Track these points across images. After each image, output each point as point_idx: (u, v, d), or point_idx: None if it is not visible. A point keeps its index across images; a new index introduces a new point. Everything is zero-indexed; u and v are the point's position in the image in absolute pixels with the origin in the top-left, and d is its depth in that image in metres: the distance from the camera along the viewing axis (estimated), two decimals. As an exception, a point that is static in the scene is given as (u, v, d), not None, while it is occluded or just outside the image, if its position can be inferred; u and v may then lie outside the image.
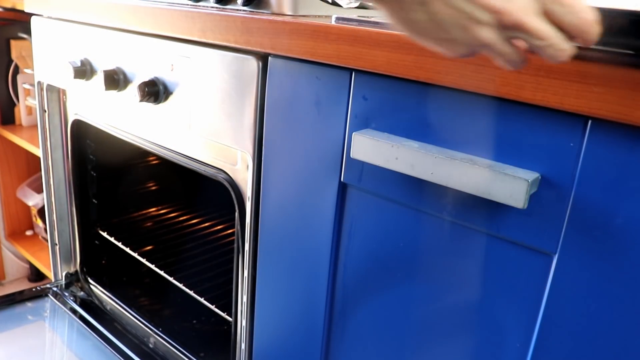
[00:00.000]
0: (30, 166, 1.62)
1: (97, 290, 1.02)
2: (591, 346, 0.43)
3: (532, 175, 0.42)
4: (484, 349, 0.50)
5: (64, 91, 0.98)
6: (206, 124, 0.68)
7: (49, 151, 1.02)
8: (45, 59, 0.95)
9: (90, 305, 1.01)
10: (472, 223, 0.48)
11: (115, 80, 0.78)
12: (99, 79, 0.78)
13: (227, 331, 0.93)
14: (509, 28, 0.34)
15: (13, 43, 1.46)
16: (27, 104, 1.51)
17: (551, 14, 0.35)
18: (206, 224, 1.20)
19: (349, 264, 0.59)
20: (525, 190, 0.41)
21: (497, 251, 0.47)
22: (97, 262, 1.09)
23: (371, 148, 0.50)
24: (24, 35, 1.46)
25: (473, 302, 0.50)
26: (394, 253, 0.54)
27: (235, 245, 0.71)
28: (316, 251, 0.61)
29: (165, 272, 0.97)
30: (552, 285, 0.44)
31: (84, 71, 0.83)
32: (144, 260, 1.01)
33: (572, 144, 0.41)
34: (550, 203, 0.43)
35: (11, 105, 1.52)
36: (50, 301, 1.03)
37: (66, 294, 1.04)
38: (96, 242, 1.08)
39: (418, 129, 0.50)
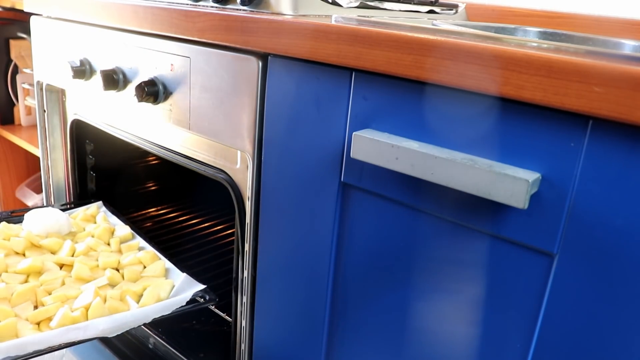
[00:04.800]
0: (29, 166, 1.62)
1: (97, 290, 1.02)
2: (592, 346, 0.43)
3: (532, 176, 0.42)
4: (485, 349, 0.50)
5: (63, 91, 0.98)
6: (206, 124, 0.68)
7: (48, 151, 1.02)
8: (45, 58, 0.95)
9: (90, 306, 1.01)
10: (472, 223, 0.48)
11: (115, 80, 0.78)
12: (98, 78, 0.78)
13: (227, 332, 0.93)
14: None
15: (12, 43, 1.46)
16: (26, 103, 1.50)
17: None
18: (206, 224, 1.20)
19: (350, 264, 0.59)
20: (526, 191, 0.41)
21: (498, 251, 0.47)
22: (96, 262, 1.08)
23: (371, 148, 0.50)
24: (23, 35, 1.46)
25: (473, 302, 0.50)
26: (394, 253, 0.54)
27: (235, 245, 0.71)
28: (317, 251, 0.61)
29: (164, 273, 0.97)
30: (553, 285, 0.44)
31: (83, 71, 0.83)
32: (143, 261, 1.01)
33: (572, 144, 0.41)
34: (551, 203, 0.43)
35: (10, 105, 1.51)
36: (49, 301, 1.03)
37: (65, 294, 1.04)
38: (95, 242, 1.08)
39: (418, 129, 0.50)
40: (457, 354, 0.52)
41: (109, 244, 0.86)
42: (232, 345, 0.76)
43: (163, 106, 0.73)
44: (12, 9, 1.29)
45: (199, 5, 0.66)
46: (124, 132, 0.85)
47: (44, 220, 0.84)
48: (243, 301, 0.72)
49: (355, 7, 0.72)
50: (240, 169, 0.68)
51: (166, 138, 0.78)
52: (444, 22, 0.60)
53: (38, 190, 1.54)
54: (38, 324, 0.66)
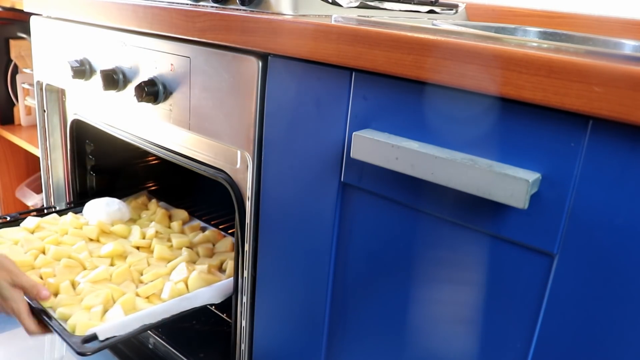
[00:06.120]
0: (29, 166, 1.62)
1: (97, 290, 1.02)
2: (592, 346, 0.43)
3: (532, 176, 0.42)
4: (485, 349, 0.50)
5: (63, 91, 0.98)
6: (206, 124, 0.68)
7: (48, 151, 1.02)
8: (45, 58, 0.95)
9: (90, 306, 1.01)
10: (472, 223, 0.48)
11: (115, 80, 0.78)
12: (98, 78, 0.78)
13: (227, 332, 0.93)
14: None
15: (12, 42, 1.46)
16: (26, 103, 1.50)
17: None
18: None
19: (350, 264, 0.59)
20: (526, 191, 0.41)
21: (498, 251, 0.47)
22: (96, 262, 1.08)
23: (371, 148, 0.50)
24: (23, 35, 1.46)
25: (473, 302, 0.50)
26: (394, 253, 0.54)
27: (235, 245, 0.71)
28: (316, 251, 0.61)
29: (164, 273, 0.98)
30: (553, 285, 0.44)
31: (83, 71, 0.83)
32: (143, 261, 1.01)
33: (573, 144, 0.41)
34: (551, 203, 0.43)
35: (10, 105, 1.51)
36: (49, 301, 1.03)
37: (65, 294, 1.04)
38: (96, 242, 1.08)
39: (418, 129, 0.50)
40: (458, 353, 0.52)
41: (169, 227, 0.98)
42: (232, 345, 0.76)
43: (163, 106, 0.73)
44: (12, 9, 1.29)
45: (199, 5, 0.66)
46: (124, 132, 0.85)
47: (108, 209, 0.95)
48: (243, 301, 0.72)
49: (355, 7, 0.72)
50: (240, 169, 0.68)
51: (166, 138, 0.78)
52: (444, 22, 0.60)
53: (38, 190, 1.54)
54: (147, 297, 0.76)
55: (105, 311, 0.72)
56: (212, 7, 0.65)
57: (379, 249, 0.56)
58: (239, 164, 0.68)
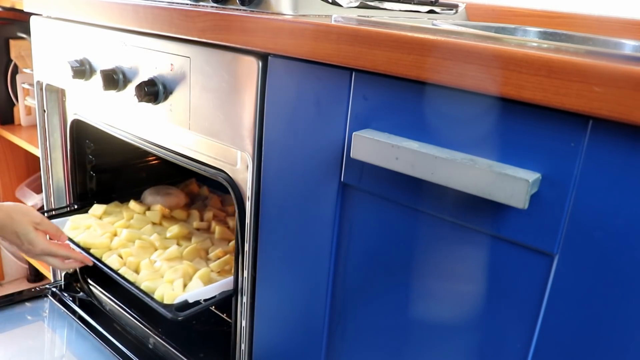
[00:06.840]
0: (29, 166, 1.62)
1: (96, 290, 1.02)
2: (592, 346, 0.43)
3: (532, 176, 0.42)
4: (485, 350, 0.50)
5: (63, 91, 0.98)
6: (206, 124, 0.68)
7: (48, 151, 1.02)
8: (45, 58, 0.95)
9: (90, 306, 1.01)
10: (472, 223, 0.48)
11: (115, 80, 0.78)
12: (98, 78, 0.78)
13: (227, 332, 0.93)
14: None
15: (12, 43, 1.46)
16: (26, 103, 1.50)
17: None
18: (206, 224, 1.20)
19: (350, 264, 0.59)
20: (526, 191, 0.41)
21: (498, 252, 0.47)
22: (96, 262, 1.09)
23: (371, 148, 0.50)
24: (23, 35, 1.46)
25: (473, 303, 0.50)
26: (394, 253, 0.54)
27: (235, 245, 0.71)
28: (316, 251, 0.61)
29: (164, 273, 0.98)
30: (553, 285, 0.44)
31: (83, 71, 0.83)
32: (143, 261, 1.01)
33: (573, 144, 0.41)
34: (551, 203, 0.43)
35: (10, 105, 1.51)
36: (49, 301, 1.03)
37: (65, 295, 1.04)
38: (95, 242, 1.08)
39: (418, 129, 0.50)
40: (458, 354, 0.52)
41: (222, 210, 1.07)
42: (232, 345, 0.76)
43: (163, 106, 0.73)
44: (12, 9, 1.29)
45: (199, 5, 0.66)
46: (124, 132, 0.85)
47: (166, 196, 1.05)
48: (243, 301, 0.72)
49: (355, 7, 0.72)
50: (240, 169, 0.68)
51: (166, 138, 0.78)
52: (444, 22, 0.60)
53: (38, 190, 1.54)
54: (219, 272, 0.85)
55: (185, 284, 0.80)
56: (212, 7, 0.65)
57: (379, 249, 0.56)
58: (239, 164, 0.68)
